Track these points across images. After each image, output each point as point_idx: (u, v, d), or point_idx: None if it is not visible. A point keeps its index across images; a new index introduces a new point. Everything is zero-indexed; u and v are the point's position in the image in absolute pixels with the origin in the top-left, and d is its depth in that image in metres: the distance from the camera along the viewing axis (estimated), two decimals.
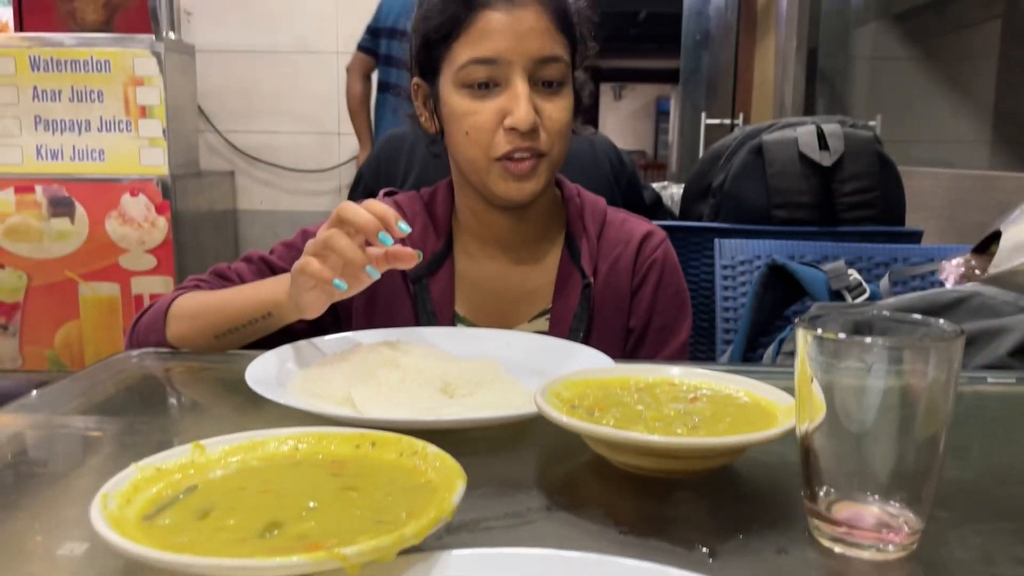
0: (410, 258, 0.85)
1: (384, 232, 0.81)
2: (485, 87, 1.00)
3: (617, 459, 0.63)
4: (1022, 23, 3.13)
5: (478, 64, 0.99)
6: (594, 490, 0.63)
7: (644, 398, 0.69)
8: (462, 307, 1.11)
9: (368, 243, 0.84)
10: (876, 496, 0.50)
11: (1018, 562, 0.51)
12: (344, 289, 0.84)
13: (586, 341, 1.05)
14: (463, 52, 1.00)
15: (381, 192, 1.20)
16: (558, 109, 1.02)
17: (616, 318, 1.12)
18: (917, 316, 0.54)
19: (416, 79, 1.10)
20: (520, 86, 0.99)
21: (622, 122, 11.28)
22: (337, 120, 3.71)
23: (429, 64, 1.06)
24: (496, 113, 1.00)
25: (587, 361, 0.85)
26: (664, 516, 0.58)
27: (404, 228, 0.82)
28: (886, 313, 0.55)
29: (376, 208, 0.82)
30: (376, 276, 0.84)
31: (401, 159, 1.80)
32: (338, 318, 1.09)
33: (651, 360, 1.10)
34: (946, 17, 3.55)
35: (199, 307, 0.99)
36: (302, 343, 0.90)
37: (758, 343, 1.48)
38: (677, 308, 1.14)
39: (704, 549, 0.51)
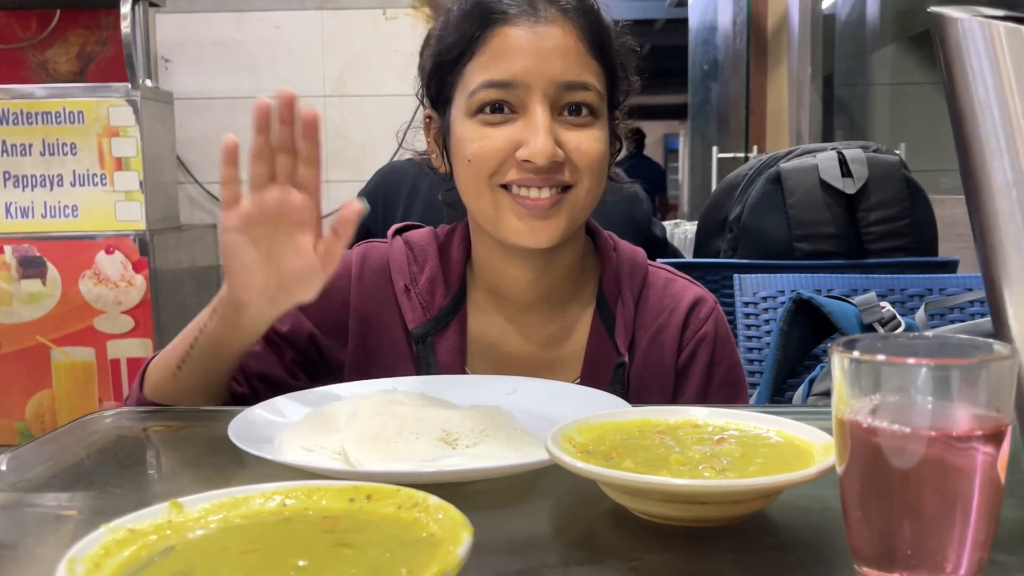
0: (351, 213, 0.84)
1: None
2: (499, 111, 0.93)
3: (638, 508, 0.61)
4: None
5: (491, 88, 0.92)
6: (614, 544, 0.61)
7: (666, 441, 0.67)
8: (474, 372, 1.03)
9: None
10: (930, 538, 0.48)
11: None
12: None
13: None
14: (476, 75, 0.93)
15: (393, 228, 1.12)
16: (588, 140, 0.93)
17: (657, 400, 1.02)
18: (964, 336, 0.53)
19: (428, 111, 1.03)
20: (540, 113, 0.91)
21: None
22: (326, 166, 3.74)
23: (440, 92, 0.99)
24: (508, 142, 0.92)
25: (602, 405, 0.84)
26: (692, 570, 0.56)
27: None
28: (929, 334, 0.53)
29: None
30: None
31: (400, 198, 1.78)
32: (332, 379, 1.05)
33: None
34: None
35: (168, 348, 0.98)
36: (289, 395, 0.88)
37: (786, 385, 1.47)
38: (731, 386, 1.06)
39: None
